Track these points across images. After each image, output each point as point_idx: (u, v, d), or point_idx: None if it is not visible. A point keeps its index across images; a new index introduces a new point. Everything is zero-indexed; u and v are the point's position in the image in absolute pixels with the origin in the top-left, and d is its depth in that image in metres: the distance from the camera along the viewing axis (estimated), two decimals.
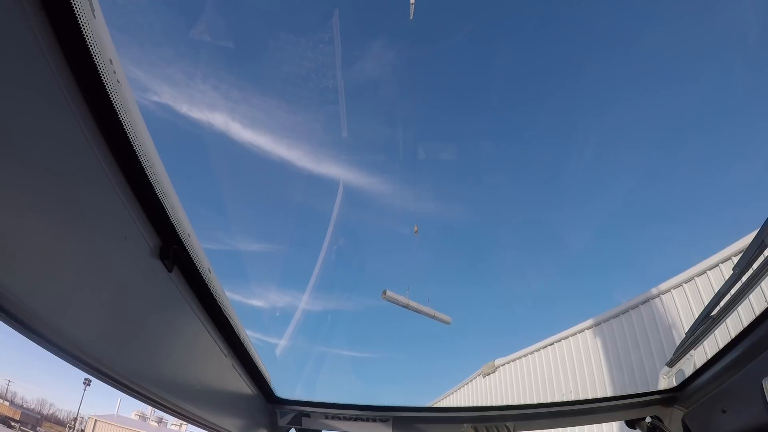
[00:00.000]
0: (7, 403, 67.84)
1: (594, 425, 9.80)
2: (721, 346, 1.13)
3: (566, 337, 10.51)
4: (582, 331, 10.01)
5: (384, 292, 8.39)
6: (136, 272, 0.64)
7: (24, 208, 0.45)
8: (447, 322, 9.66)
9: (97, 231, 0.53)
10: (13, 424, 53.02)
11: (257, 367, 1.09)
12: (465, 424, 1.33)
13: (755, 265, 0.99)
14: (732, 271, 1.03)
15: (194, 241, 0.74)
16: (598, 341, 9.52)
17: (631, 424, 1.45)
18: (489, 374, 13.39)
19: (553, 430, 1.43)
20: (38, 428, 64.02)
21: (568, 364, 10.38)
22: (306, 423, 1.33)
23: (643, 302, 8.30)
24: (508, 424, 1.28)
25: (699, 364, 1.24)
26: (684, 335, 1.28)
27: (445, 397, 15.07)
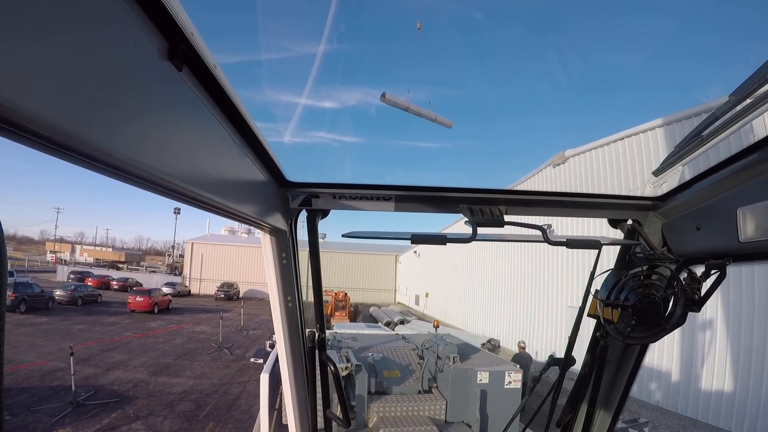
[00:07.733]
0: (110, 249, 78.77)
1: (582, 219, 9.62)
2: (707, 168, 1.22)
3: (636, 134, 11.23)
4: (653, 128, 10.72)
5: (383, 96, 8.34)
6: (148, 76, 0.70)
7: (36, 33, 0.42)
8: (449, 126, 9.59)
9: (109, 42, 0.53)
10: (120, 266, 62.65)
11: (268, 154, 1.20)
12: (461, 204, 1.45)
13: (752, 98, 0.99)
14: (729, 98, 1.05)
15: (198, 39, 0.78)
16: (668, 141, 10.23)
17: (613, 223, 1.57)
18: (559, 165, 14.45)
19: (542, 217, 1.54)
20: (142, 263, 76.22)
21: (636, 161, 11.23)
22: (315, 204, 1.48)
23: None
24: (500, 207, 1.44)
25: (684, 180, 1.36)
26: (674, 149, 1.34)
27: (516, 185, 16.52)
